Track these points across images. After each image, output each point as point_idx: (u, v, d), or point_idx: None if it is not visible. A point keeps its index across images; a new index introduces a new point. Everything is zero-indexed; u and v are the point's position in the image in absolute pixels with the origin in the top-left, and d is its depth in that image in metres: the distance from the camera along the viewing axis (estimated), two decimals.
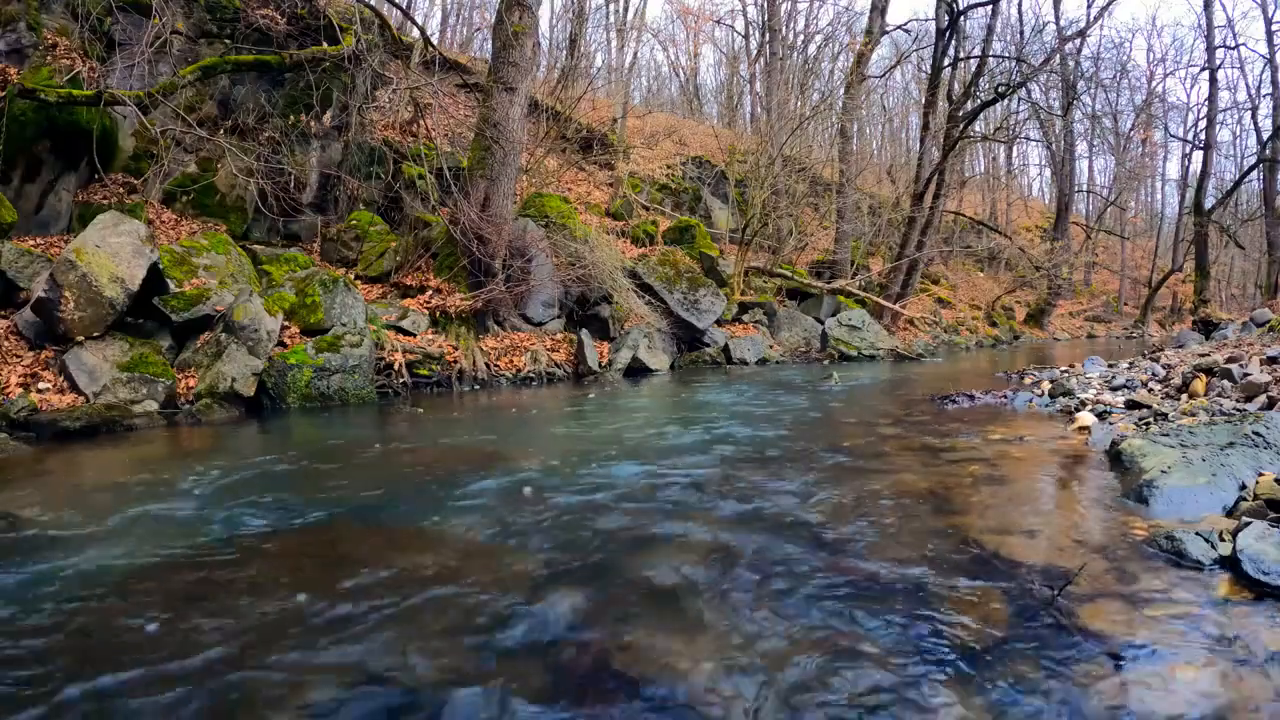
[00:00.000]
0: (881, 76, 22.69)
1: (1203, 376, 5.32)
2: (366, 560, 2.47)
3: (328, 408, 6.05)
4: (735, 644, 1.86)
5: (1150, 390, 5.61)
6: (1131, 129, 34.40)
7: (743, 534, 2.71)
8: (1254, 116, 25.90)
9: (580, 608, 2.09)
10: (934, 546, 2.53)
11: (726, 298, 11.59)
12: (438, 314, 8.18)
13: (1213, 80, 23.06)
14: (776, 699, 1.62)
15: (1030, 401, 5.86)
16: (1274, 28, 22.47)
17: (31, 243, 6.55)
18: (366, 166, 10.00)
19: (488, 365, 8.02)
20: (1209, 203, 22.66)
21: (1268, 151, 21.34)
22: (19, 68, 7.04)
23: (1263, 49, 33.41)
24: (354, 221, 9.37)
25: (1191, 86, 47.47)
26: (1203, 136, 24.22)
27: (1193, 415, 4.21)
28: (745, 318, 12.38)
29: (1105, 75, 31.80)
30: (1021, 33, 26.31)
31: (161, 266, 5.97)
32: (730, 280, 12.53)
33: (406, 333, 7.71)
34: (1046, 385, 6.50)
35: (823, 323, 13.18)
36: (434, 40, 13.84)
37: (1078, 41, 24.04)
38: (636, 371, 9.14)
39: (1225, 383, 5.07)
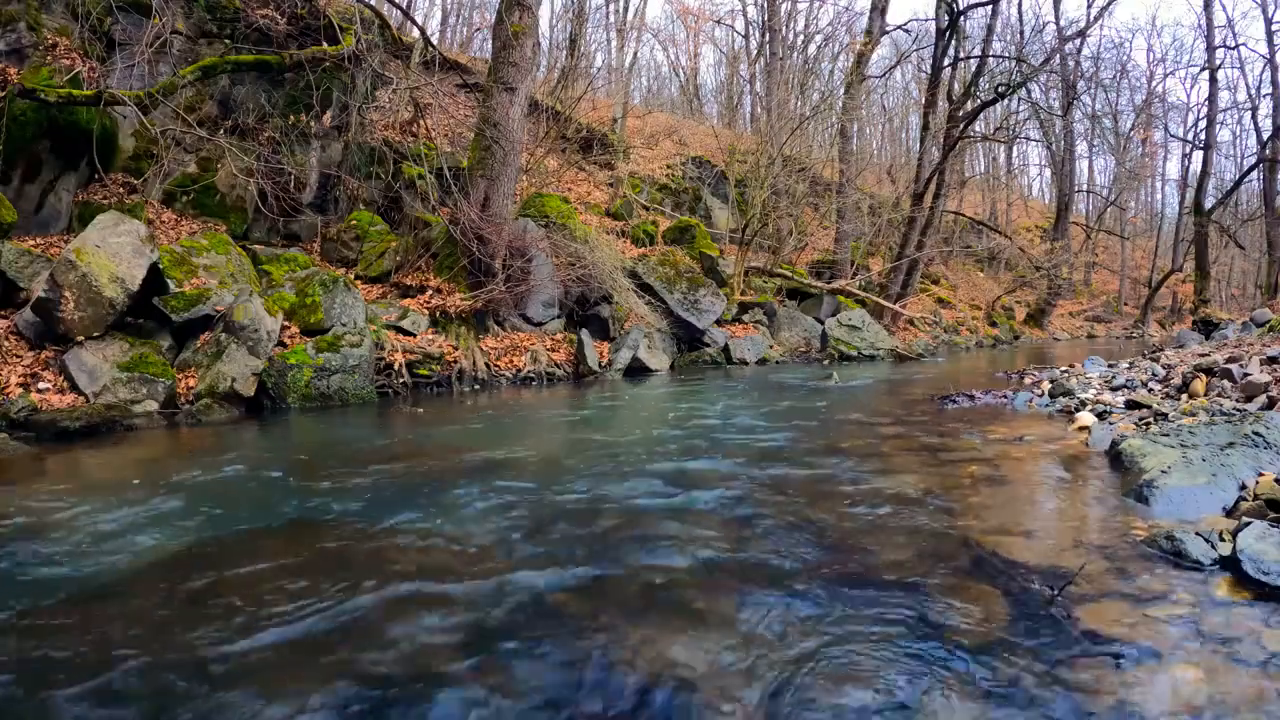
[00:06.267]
0: (881, 76, 22.70)
1: (1203, 376, 5.31)
2: (366, 559, 2.47)
3: (328, 408, 6.05)
4: (732, 644, 1.86)
5: (1150, 390, 5.61)
6: (1131, 129, 34.43)
7: (741, 534, 2.71)
8: (1254, 116, 25.90)
9: (579, 606, 2.09)
10: (934, 546, 2.53)
11: (726, 298, 11.59)
12: (438, 314, 8.18)
13: (1213, 80, 23.07)
14: (773, 698, 1.62)
15: (1030, 401, 5.86)
16: (1274, 28, 22.47)
17: (31, 243, 6.55)
18: (366, 166, 9.99)
19: (488, 365, 8.02)
20: (1209, 203, 22.67)
21: (1268, 151, 21.34)
22: (19, 68, 7.04)
23: (1263, 49, 33.39)
24: (354, 221, 9.37)
25: (1191, 86, 47.43)
26: (1203, 136, 24.23)
27: (1193, 415, 4.21)
28: (745, 318, 12.37)
29: (1105, 75, 31.87)
30: (1021, 33, 26.36)
31: (161, 266, 5.97)
32: (730, 280, 12.53)
33: (406, 333, 7.71)
34: (1046, 385, 6.50)
35: (823, 323, 13.18)
36: (434, 40, 13.84)
37: (1078, 41, 24.08)
38: (636, 371, 9.13)
39: (1225, 383, 5.07)
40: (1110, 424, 4.46)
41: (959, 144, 16.49)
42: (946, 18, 15.75)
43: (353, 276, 8.51)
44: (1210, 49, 23.60)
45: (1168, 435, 3.45)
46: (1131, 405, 4.92)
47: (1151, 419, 4.38)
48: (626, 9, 20.43)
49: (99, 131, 7.15)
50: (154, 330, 5.95)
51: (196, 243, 7.04)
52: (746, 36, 26.48)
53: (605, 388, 7.94)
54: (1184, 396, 5.07)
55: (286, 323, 6.62)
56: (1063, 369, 8.26)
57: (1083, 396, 5.65)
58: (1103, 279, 35.37)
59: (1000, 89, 15.27)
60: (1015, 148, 34.32)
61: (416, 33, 12.33)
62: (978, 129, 20.47)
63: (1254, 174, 23.49)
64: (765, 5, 21.79)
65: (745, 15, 28.03)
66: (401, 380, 7.05)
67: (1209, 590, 2.10)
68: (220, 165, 8.33)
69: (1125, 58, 40.85)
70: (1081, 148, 33.64)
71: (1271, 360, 5.50)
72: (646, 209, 15.11)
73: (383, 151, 9.97)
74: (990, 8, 17.03)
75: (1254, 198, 28.80)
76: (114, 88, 7.00)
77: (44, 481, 3.70)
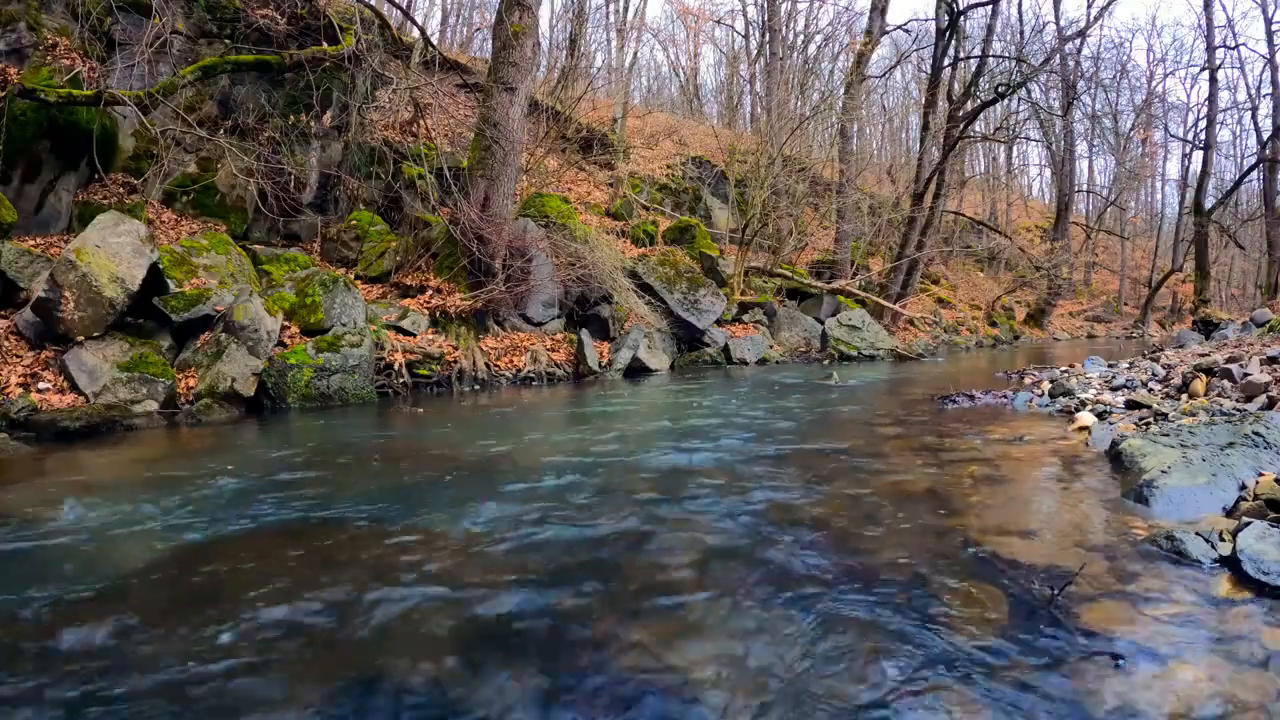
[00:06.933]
0: (881, 76, 22.70)
1: (1203, 376, 5.31)
2: (367, 559, 2.47)
3: (328, 408, 6.05)
4: (733, 643, 1.86)
5: (1150, 390, 5.61)
6: (1131, 129, 34.43)
7: (742, 534, 2.71)
8: (1254, 116, 25.89)
9: (578, 606, 2.09)
10: (934, 546, 2.53)
11: (726, 298, 11.59)
12: (438, 314, 8.18)
13: (1213, 80, 23.07)
14: (774, 698, 1.62)
15: (1030, 401, 5.86)
16: (1274, 28, 22.47)
17: (31, 243, 6.55)
18: (366, 166, 9.99)
19: (488, 365, 8.02)
20: (1209, 203, 22.67)
21: (1268, 151, 21.34)
22: (19, 68, 7.04)
23: (1263, 49, 33.39)
24: (354, 221, 9.37)
25: (1191, 86, 47.38)
26: (1203, 136, 24.23)
27: (1193, 415, 4.21)
28: (745, 318, 12.37)
29: (1105, 75, 31.88)
30: (1021, 33, 26.37)
31: (161, 266, 5.97)
32: (730, 280, 12.53)
33: (406, 333, 7.71)
34: (1046, 385, 6.50)
35: (823, 323, 13.18)
36: (434, 40, 13.85)
37: (1078, 41, 24.08)
38: (636, 371, 9.13)
39: (1225, 383, 5.07)
40: (1110, 424, 4.46)
41: (959, 144, 16.49)
42: (946, 18, 15.75)
43: (353, 276, 8.51)
44: (1210, 49, 23.61)
45: (1168, 435, 3.45)
46: (1131, 405, 4.92)
47: (1151, 419, 4.37)
48: (626, 9, 20.45)
49: (99, 131, 7.15)
50: (154, 330, 5.95)
51: (196, 243, 7.04)
52: (746, 36, 26.51)
53: (606, 387, 7.94)
54: (1184, 396, 5.07)
55: (286, 323, 6.62)
56: (1063, 369, 8.26)
57: (1083, 396, 5.65)
58: (1103, 279, 35.38)
59: (1000, 89, 15.27)
60: (1015, 148, 34.37)
61: (416, 33, 12.33)
62: (978, 129, 20.47)
63: (1254, 174, 23.51)
64: (765, 5, 21.81)
65: (745, 15, 28.08)
66: (401, 380, 7.05)
67: (1209, 590, 2.10)
68: (220, 165, 8.33)
69: (1125, 58, 40.91)
70: (1081, 148, 33.70)
71: (1271, 360, 5.50)
72: (646, 209, 15.11)
73: (383, 151, 9.98)
74: (990, 8, 17.04)
75: (1254, 198, 28.81)
76: (114, 88, 6.99)
77: (44, 481, 3.70)
